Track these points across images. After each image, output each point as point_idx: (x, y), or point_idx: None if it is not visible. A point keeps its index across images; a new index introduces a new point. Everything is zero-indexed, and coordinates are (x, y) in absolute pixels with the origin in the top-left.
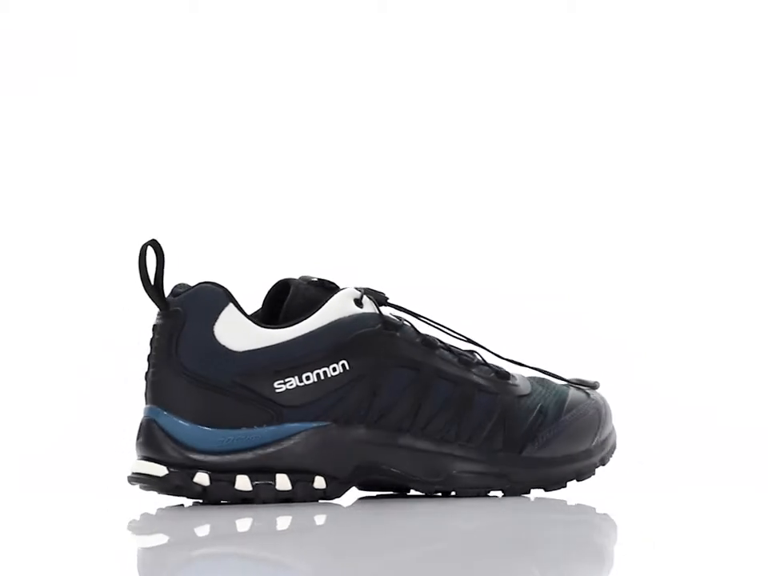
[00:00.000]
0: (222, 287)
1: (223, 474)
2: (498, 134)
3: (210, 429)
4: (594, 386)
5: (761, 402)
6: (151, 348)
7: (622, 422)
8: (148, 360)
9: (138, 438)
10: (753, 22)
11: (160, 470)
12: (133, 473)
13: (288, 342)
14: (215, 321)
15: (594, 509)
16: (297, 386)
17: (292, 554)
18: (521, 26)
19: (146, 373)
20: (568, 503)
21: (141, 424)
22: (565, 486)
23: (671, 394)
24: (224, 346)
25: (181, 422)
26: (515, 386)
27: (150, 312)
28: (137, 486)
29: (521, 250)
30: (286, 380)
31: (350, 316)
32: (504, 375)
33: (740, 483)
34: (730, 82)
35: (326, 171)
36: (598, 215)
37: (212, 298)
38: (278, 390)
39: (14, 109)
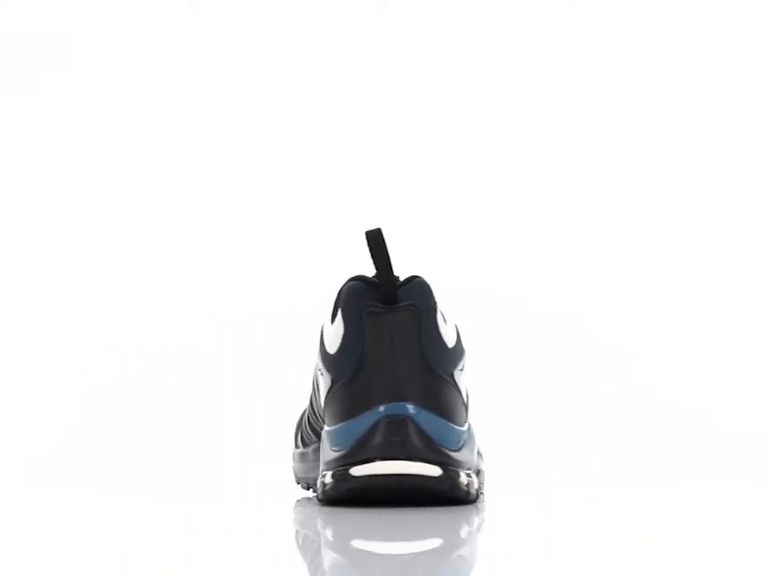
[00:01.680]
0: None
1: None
2: (498, 135)
3: (454, 426)
4: None
5: (761, 402)
6: (386, 342)
7: (623, 422)
8: (378, 353)
9: (390, 436)
10: (753, 22)
11: (434, 470)
12: (394, 473)
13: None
14: (436, 315)
15: (594, 509)
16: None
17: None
18: (521, 26)
19: (370, 366)
20: (568, 503)
21: (392, 421)
22: None
23: (671, 393)
24: (444, 342)
25: (435, 419)
26: None
27: (150, 312)
28: (365, 488)
29: (521, 249)
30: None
31: None
32: None
33: (740, 483)
34: (730, 82)
35: (326, 171)
36: (598, 216)
37: (429, 292)
38: (462, 388)
39: (14, 109)
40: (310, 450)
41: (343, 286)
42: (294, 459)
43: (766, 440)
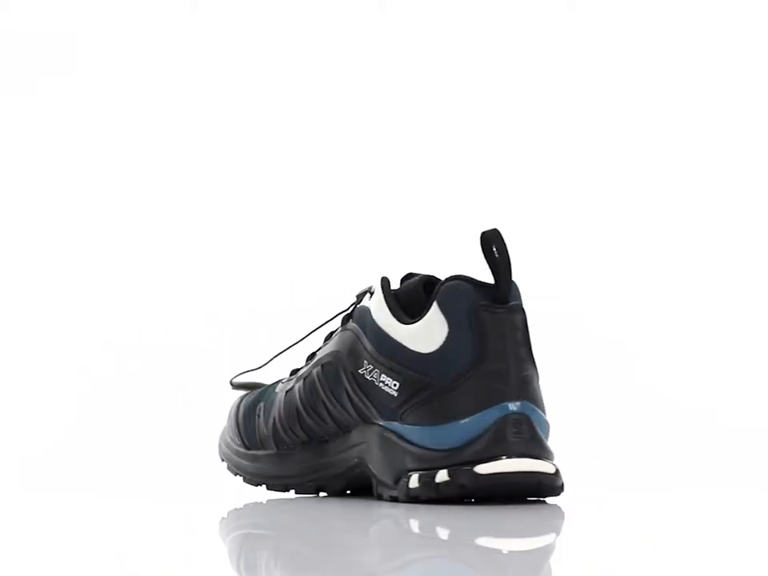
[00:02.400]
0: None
1: None
2: (499, 135)
3: (548, 422)
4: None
5: (761, 402)
6: (504, 341)
7: (622, 422)
8: (497, 352)
9: (514, 434)
10: (753, 22)
11: (550, 468)
12: (520, 471)
13: None
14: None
15: (593, 509)
16: None
17: None
18: (521, 25)
19: (489, 365)
20: (566, 503)
21: (516, 420)
22: None
23: (671, 394)
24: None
25: (541, 416)
26: None
27: (150, 312)
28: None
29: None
30: None
31: None
32: None
33: (740, 483)
34: (730, 81)
35: (326, 170)
36: (597, 217)
37: (519, 292)
38: None
39: (14, 109)
40: (295, 449)
41: (440, 286)
42: (246, 460)
43: (766, 440)
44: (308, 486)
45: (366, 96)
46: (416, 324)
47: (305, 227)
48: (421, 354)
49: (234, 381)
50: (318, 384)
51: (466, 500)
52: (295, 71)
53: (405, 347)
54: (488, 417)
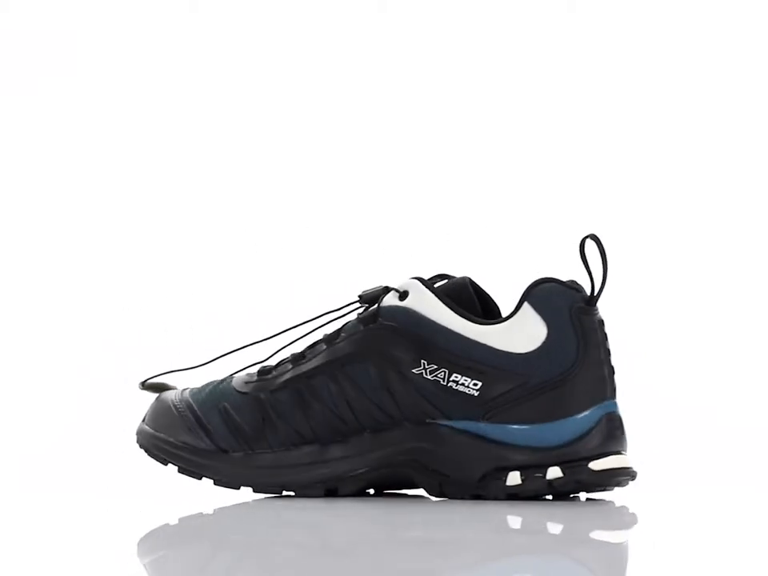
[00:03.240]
0: None
1: None
2: (499, 135)
3: None
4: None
5: (760, 402)
6: (600, 342)
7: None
8: (596, 352)
9: (615, 432)
10: (753, 22)
11: (630, 462)
12: (624, 467)
13: None
14: None
15: (592, 509)
16: None
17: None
18: (521, 25)
19: (589, 365)
20: (564, 504)
21: (614, 418)
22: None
23: (670, 394)
24: None
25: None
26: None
27: (150, 313)
28: (616, 482)
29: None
30: None
31: None
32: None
33: (740, 483)
34: (730, 80)
35: (325, 170)
36: (597, 219)
37: None
38: None
39: (14, 108)
40: (298, 450)
41: (531, 288)
42: (219, 461)
43: (766, 440)
44: (316, 487)
45: (365, 95)
46: (502, 325)
47: (304, 228)
48: (514, 353)
49: (148, 382)
50: (343, 383)
51: (542, 497)
52: (295, 71)
53: (489, 347)
54: (594, 415)
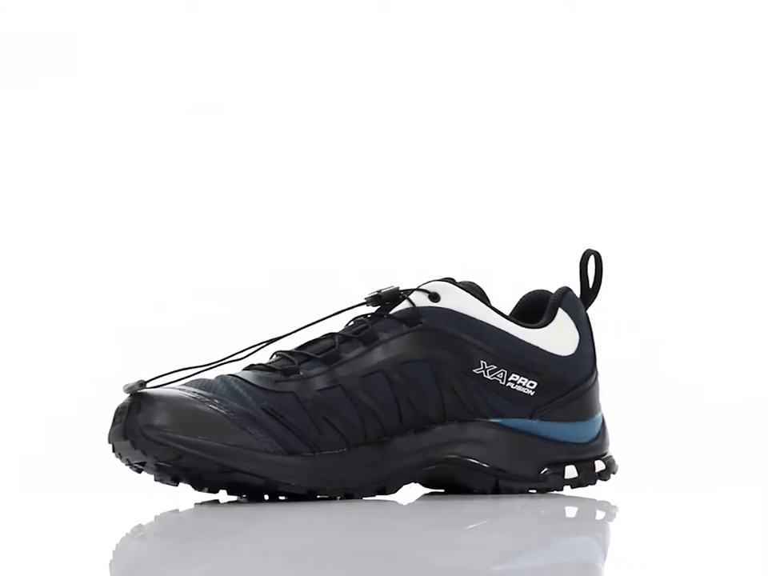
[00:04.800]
0: None
1: None
2: (499, 135)
3: None
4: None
5: (760, 402)
6: None
7: (620, 421)
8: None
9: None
10: (753, 22)
11: None
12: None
13: None
14: None
15: (589, 509)
16: None
17: None
18: (521, 23)
19: (597, 368)
20: (560, 503)
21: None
22: None
23: (670, 393)
24: None
25: None
26: None
27: (149, 312)
28: None
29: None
30: None
31: None
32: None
33: (738, 484)
34: (730, 80)
35: (325, 169)
36: (597, 221)
37: None
38: None
39: (14, 108)
40: (357, 450)
41: (563, 295)
42: (276, 466)
43: (765, 440)
44: (371, 488)
45: (366, 94)
46: (547, 328)
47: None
48: (561, 356)
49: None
50: (401, 383)
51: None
52: (296, 70)
53: (540, 349)
54: (600, 416)
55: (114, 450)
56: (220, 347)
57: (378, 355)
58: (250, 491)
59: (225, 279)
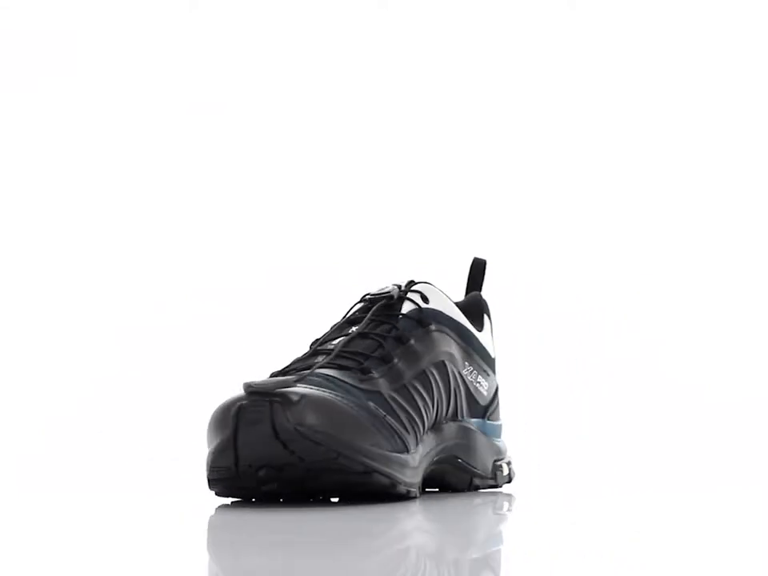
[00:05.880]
0: None
1: None
2: (500, 135)
3: None
4: None
5: (759, 402)
6: None
7: (619, 422)
8: None
9: None
10: (753, 22)
11: None
12: None
13: None
14: None
15: (587, 509)
16: None
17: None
18: (521, 23)
19: None
20: (556, 503)
21: None
22: None
23: (668, 394)
24: None
25: None
26: None
27: (150, 313)
28: None
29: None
30: None
31: None
32: None
33: (736, 484)
34: (730, 80)
35: (325, 168)
36: (597, 223)
37: None
38: None
39: (13, 108)
40: (420, 447)
41: (485, 301)
42: (397, 466)
43: (762, 440)
44: (421, 487)
45: (366, 93)
46: (485, 332)
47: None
48: (493, 359)
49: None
50: (434, 383)
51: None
52: (296, 70)
53: (488, 352)
54: None
55: (236, 452)
56: (219, 348)
57: (417, 356)
58: (372, 492)
59: (224, 279)
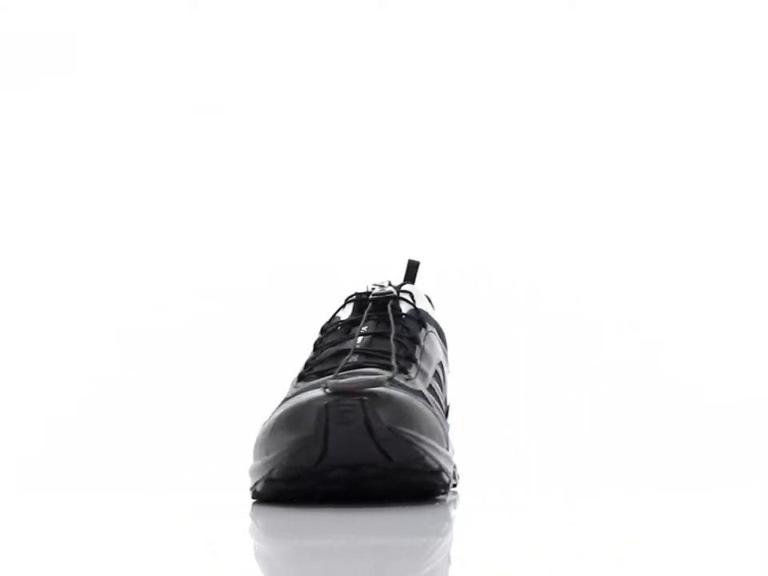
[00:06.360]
0: None
1: None
2: (500, 135)
3: None
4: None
5: (759, 402)
6: None
7: (618, 422)
8: None
9: None
10: (753, 22)
11: None
12: None
13: None
14: None
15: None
16: None
17: None
18: (521, 23)
19: None
20: (556, 503)
21: None
22: None
23: (668, 395)
24: None
25: None
26: None
27: (149, 313)
28: None
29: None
30: None
31: None
32: None
33: (736, 484)
34: (730, 79)
35: (325, 168)
36: (598, 216)
37: None
38: None
39: (13, 108)
40: None
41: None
42: (449, 463)
43: (761, 440)
44: None
45: (366, 93)
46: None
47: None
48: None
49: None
50: (439, 384)
51: None
52: (296, 70)
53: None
54: None
55: (324, 451)
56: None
57: (428, 357)
58: (426, 492)
59: (223, 279)
